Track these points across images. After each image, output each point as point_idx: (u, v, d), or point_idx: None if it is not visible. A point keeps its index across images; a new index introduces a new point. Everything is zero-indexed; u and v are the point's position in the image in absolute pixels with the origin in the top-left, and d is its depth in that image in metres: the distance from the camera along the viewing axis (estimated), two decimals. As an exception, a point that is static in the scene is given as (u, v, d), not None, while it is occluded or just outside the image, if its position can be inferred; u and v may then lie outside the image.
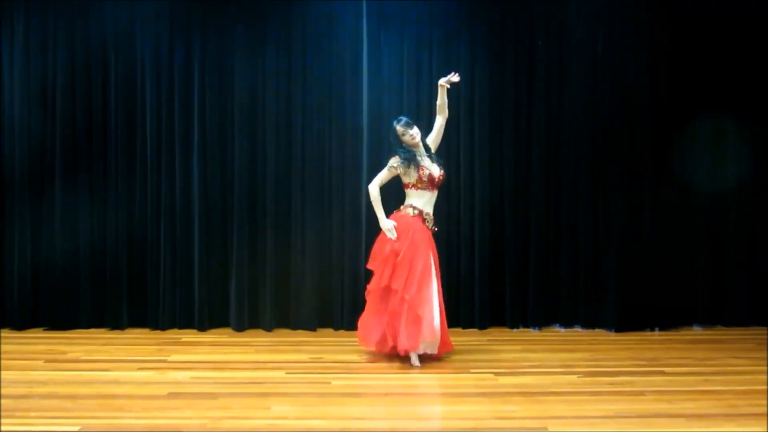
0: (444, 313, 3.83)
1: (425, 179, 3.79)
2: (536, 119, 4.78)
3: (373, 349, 3.86)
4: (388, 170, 3.85)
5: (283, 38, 4.72)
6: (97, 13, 4.69)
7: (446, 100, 3.88)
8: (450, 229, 4.74)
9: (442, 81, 3.82)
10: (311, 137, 4.73)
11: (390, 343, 3.74)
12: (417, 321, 3.66)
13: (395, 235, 3.77)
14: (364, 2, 4.75)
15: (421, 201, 3.84)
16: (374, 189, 3.86)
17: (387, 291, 3.77)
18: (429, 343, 3.77)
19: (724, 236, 4.85)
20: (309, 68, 4.73)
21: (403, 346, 3.67)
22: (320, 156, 4.74)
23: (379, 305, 3.82)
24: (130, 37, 4.70)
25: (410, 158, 3.78)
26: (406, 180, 3.85)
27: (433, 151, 3.94)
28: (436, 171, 3.84)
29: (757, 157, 4.83)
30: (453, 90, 4.76)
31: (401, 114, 4.67)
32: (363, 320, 3.94)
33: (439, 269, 3.88)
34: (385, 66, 4.76)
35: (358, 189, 4.69)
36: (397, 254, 3.73)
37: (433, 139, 3.96)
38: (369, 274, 3.96)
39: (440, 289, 3.84)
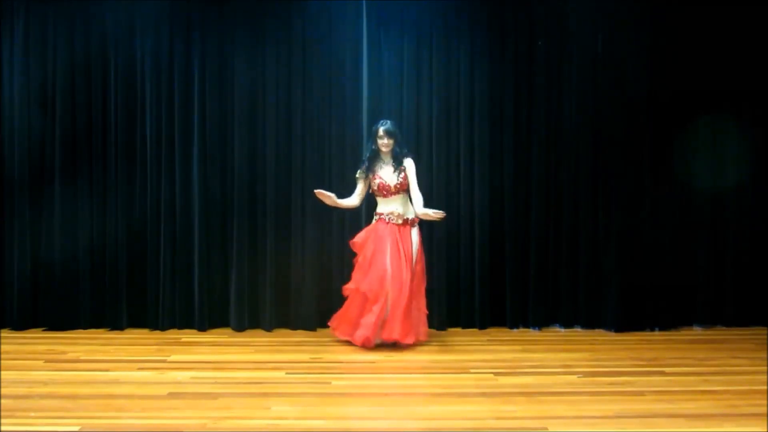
0: (407, 301, 4.03)
1: (375, 188, 4.22)
2: (536, 119, 4.78)
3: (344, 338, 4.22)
4: (357, 182, 4.30)
5: (283, 38, 4.72)
6: (97, 12, 4.68)
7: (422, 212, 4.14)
8: (450, 229, 4.74)
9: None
10: (311, 137, 4.73)
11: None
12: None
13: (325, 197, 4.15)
14: (364, 2, 4.75)
15: (384, 206, 4.22)
16: (348, 199, 4.29)
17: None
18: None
19: (724, 236, 4.85)
20: (309, 68, 4.73)
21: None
22: (320, 156, 4.74)
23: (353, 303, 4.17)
24: (130, 37, 4.70)
25: (368, 168, 4.23)
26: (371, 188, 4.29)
27: (412, 197, 4.21)
28: (392, 181, 4.18)
29: (757, 157, 4.83)
30: (453, 90, 4.81)
31: (401, 114, 4.72)
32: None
33: (412, 259, 4.12)
34: (385, 66, 4.76)
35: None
36: (363, 259, 4.18)
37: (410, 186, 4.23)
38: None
39: (403, 278, 4.02)
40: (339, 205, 4.25)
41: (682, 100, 4.74)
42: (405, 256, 4.08)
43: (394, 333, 4.01)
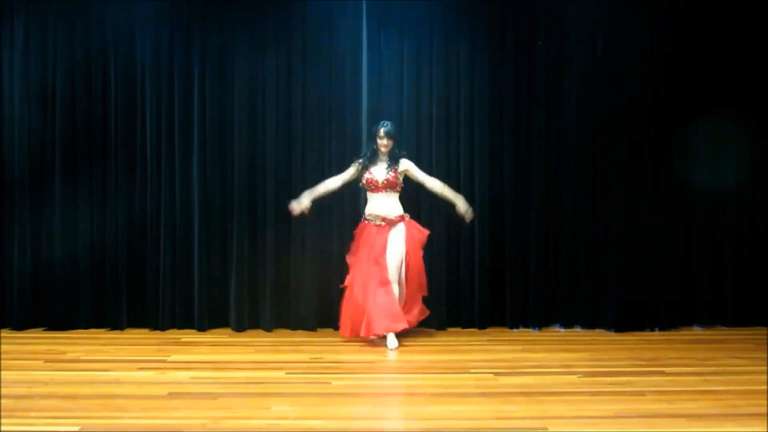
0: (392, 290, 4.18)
1: (364, 182, 4.36)
2: (536, 119, 4.78)
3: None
4: (351, 168, 4.42)
5: (283, 38, 4.72)
6: (97, 13, 4.68)
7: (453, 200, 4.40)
8: (450, 229, 4.74)
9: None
10: (311, 137, 4.74)
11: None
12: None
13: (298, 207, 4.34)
14: (364, 2, 4.75)
15: (371, 203, 4.36)
16: (331, 179, 4.42)
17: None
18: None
19: (724, 236, 4.85)
20: (309, 68, 4.73)
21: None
22: (320, 156, 4.74)
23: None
24: (130, 37, 4.70)
25: (364, 164, 4.35)
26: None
27: (423, 183, 4.40)
28: (380, 177, 4.31)
29: (757, 157, 4.83)
30: (453, 89, 4.82)
31: (401, 114, 4.71)
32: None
33: (407, 254, 4.28)
34: (385, 66, 4.76)
35: (357, 189, 4.68)
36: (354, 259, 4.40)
37: (419, 179, 4.40)
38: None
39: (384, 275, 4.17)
40: (317, 195, 4.36)
41: (682, 100, 4.73)
42: (379, 254, 4.21)
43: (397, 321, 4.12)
